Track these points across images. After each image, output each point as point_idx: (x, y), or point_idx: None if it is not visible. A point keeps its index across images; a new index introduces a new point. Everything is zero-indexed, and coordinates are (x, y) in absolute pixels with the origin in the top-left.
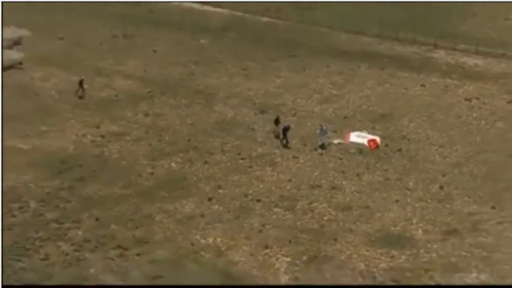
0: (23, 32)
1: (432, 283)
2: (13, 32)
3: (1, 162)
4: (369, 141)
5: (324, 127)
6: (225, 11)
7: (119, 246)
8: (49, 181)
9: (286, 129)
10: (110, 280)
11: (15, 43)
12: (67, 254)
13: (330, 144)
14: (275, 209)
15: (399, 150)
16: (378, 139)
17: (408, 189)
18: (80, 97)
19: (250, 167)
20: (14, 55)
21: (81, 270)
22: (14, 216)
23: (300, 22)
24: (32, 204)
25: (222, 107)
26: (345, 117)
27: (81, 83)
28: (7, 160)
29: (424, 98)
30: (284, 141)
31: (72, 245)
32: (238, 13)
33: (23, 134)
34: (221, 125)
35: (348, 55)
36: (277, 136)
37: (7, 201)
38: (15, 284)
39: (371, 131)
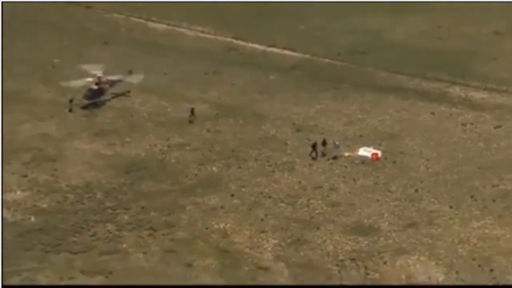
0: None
1: (381, 262)
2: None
3: None
4: (373, 154)
5: (337, 142)
6: (298, 54)
7: (151, 228)
8: (117, 178)
9: (315, 145)
10: (130, 250)
11: (127, 77)
12: (110, 232)
13: (341, 156)
14: (280, 204)
15: (394, 161)
16: (379, 153)
17: (389, 191)
18: (190, 122)
19: (273, 171)
20: (135, 79)
21: (116, 244)
22: (82, 203)
23: (353, 63)
24: (98, 195)
25: (268, 126)
26: (361, 136)
27: (192, 111)
28: (92, 162)
29: (429, 123)
30: (314, 154)
31: (116, 226)
32: (307, 56)
33: (111, 143)
34: (262, 140)
35: (381, 88)
36: (321, 154)
37: (82, 192)
38: (15, 284)
39: (377, 146)
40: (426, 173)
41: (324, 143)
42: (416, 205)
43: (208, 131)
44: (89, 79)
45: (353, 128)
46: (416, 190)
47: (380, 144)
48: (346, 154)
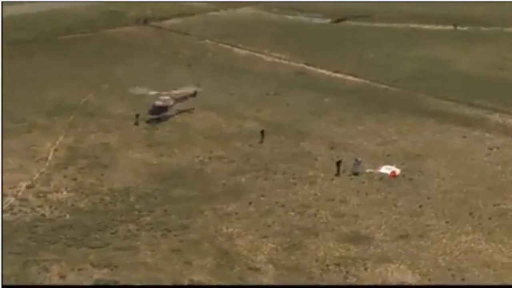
0: (198, 89)
1: (362, 268)
2: (190, 89)
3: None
4: (391, 172)
5: (359, 159)
6: (359, 80)
7: (166, 229)
8: (153, 184)
9: (339, 162)
10: (142, 247)
11: (191, 95)
12: (130, 231)
13: (363, 172)
14: (290, 213)
15: (410, 179)
16: (398, 171)
17: (395, 205)
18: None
19: (295, 184)
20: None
21: (131, 241)
22: (115, 205)
23: (406, 89)
24: (131, 198)
25: (306, 143)
26: (388, 155)
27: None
28: (137, 169)
29: (457, 146)
30: (336, 170)
31: (137, 226)
32: (367, 82)
33: (160, 153)
34: (296, 156)
35: (424, 113)
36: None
37: (118, 195)
38: (15, 284)
39: (400, 165)
40: (436, 191)
41: (338, 163)
42: (415, 219)
43: (250, 146)
44: (152, 92)
45: (384, 148)
46: (420, 206)
47: (403, 164)
48: (368, 170)
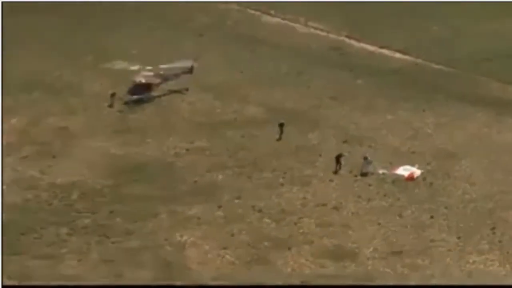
0: (195, 64)
1: None
2: (186, 63)
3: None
4: (409, 173)
5: (368, 158)
6: (409, 58)
7: (104, 234)
8: (106, 179)
9: (339, 156)
10: (67, 256)
11: (186, 72)
12: (58, 236)
13: (373, 173)
14: (265, 219)
15: (431, 184)
16: (417, 173)
17: (400, 215)
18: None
19: (282, 184)
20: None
21: (56, 248)
22: (50, 204)
23: (467, 71)
24: (74, 196)
25: (315, 135)
26: (413, 152)
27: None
28: (93, 161)
29: (507, 144)
30: (337, 167)
31: (70, 229)
32: (419, 60)
33: (126, 142)
34: (296, 150)
35: (479, 101)
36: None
37: (58, 191)
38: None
39: (424, 166)
40: (458, 199)
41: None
42: (420, 233)
43: (242, 136)
44: (134, 67)
45: (411, 144)
46: (432, 217)
47: (428, 164)
48: (381, 171)
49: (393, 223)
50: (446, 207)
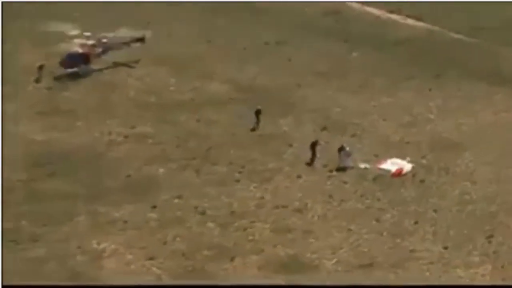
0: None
1: None
2: (135, 33)
3: None
4: (397, 169)
5: (347, 148)
6: (423, 25)
7: (12, 240)
8: (18, 173)
9: (315, 144)
10: None
11: (136, 41)
12: None
13: (353, 167)
14: (209, 224)
15: (422, 181)
16: (408, 167)
17: (378, 220)
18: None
19: (238, 181)
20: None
21: None
22: None
23: (492, 42)
24: None
25: (288, 120)
26: (407, 143)
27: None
28: (8, 149)
29: None
30: (310, 158)
31: None
32: (435, 28)
33: (52, 127)
34: (262, 139)
35: (502, 78)
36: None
37: None
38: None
39: (417, 159)
40: (455, 201)
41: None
42: (398, 242)
43: (198, 121)
44: (74, 32)
45: (405, 132)
46: (416, 222)
47: (423, 157)
48: (362, 165)
49: (367, 229)
50: (435, 210)
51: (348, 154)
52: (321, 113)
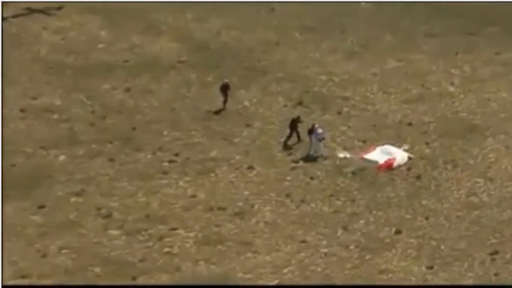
0: None
1: None
2: None
3: None
4: (387, 160)
5: (320, 131)
6: None
7: None
8: None
9: (296, 122)
10: None
11: None
12: None
13: (327, 157)
14: (111, 231)
15: (418, 177)
16: (402, 158)
17: (346, 228)
18: (224, 109)
19: (165, 173)
20: None
21: None
22: None
23: None
24: None
25: (253, 92)
26: (409, 124)
27: (224, 88)
28: None
29: None
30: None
31: None
32: None
33: None
34: (211, 116)
35: None
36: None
37: None
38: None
39: (420, 147)
40: (457, 204)
41: (294, 122)
42: (367, 258)
43: (127, 90)
44: None
45: (410, 110)
46: (398, 232)
47: (427, 143)
48: (341, 154)
49: (329, 240)
50: (427, 218)
51: (320, 138)
52: (300, 82)
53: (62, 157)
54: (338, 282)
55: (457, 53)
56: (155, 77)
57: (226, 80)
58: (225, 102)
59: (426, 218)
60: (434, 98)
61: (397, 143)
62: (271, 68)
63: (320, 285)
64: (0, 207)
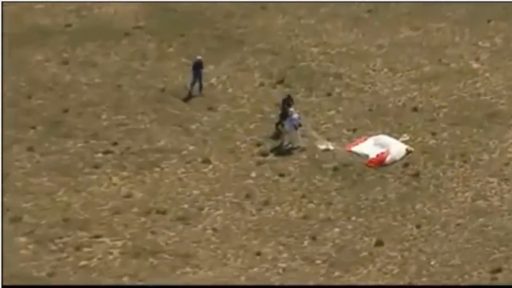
0: None
1: None
2: None
3: None
4: (379, 154)
5: (295, 115)
6: None
7: None
8: None
9: (288, 101)
10: None
11: None
12: None
13: (304, 149)
14: (18, 238)
15: (415, 175)
16: (399, 152)
17: (314, 238)
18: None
19: (96, 167)
20: None
21: None
22: None
23: None
24: None
25: (224, 67)
26: (415, 109)
27: (197, 66)
28: None
29: None
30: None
31: None
32: None
33: None
34: (166, 96)
35: None
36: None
37: None
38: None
39: (426, 136)
40: (460, 209)
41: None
42: (335, 275)
43: (65, 63)
44: None
45: (419, 91)
46: (379, 244)
47: (434, 134)
48: (323, 146)
49: (290, 252)
50: (418, 226)
51: (296, 125)
52: (285, 55)
53: None
54: None
55: (489, 21)
56: (102, 47)
57: (199, 57)
58: (193, 84)
59: (418, 226)
60: (452, 77)
61: (395, 133)
62: (251, 37)
63: (323, 285)
64: (0, 209)
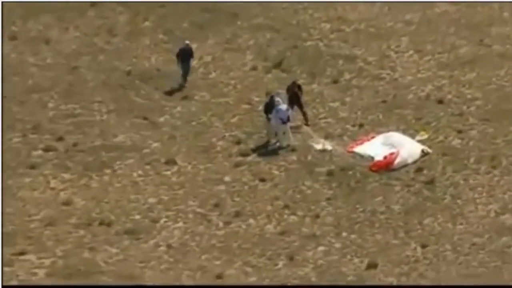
0: None
1: None
2: None
3: None
4: (388, 156)
5: (283, 107)
6: None
7: None
8: None
9: (294, 87)
10: None
11: None
12: None
13: (294, 148)
14: None
15: (430, 182)
16: (411, 154)
17: (291, 258)
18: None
19: (33, 166)
20: None
21: None
22: None
23: None
24: None
25: (210, 46)
26: (440, 102)
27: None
28: None
29: None
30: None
31: None
32: None
33: None
34: (132, 82)
35: None
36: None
37: None
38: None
39: (452, 138)
40: (474, 229)
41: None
42: None
43: (12, 38)
44: None
45: (449, 79)
46: (373, 265)
47: (460, 132)
48: (319, 145)
49: (260, 276)
50: (424, 245)
51: (284, 118)
52: (288, 32)
53: None
54: None
55: None
56: (61, 19)
57: (187, 42)
58: (184, 76)
59: (423, 246)
60: (492, 61)
61: (411, 130)
62: (247, 9)
63: (326, 285)
64: (0, 208)
